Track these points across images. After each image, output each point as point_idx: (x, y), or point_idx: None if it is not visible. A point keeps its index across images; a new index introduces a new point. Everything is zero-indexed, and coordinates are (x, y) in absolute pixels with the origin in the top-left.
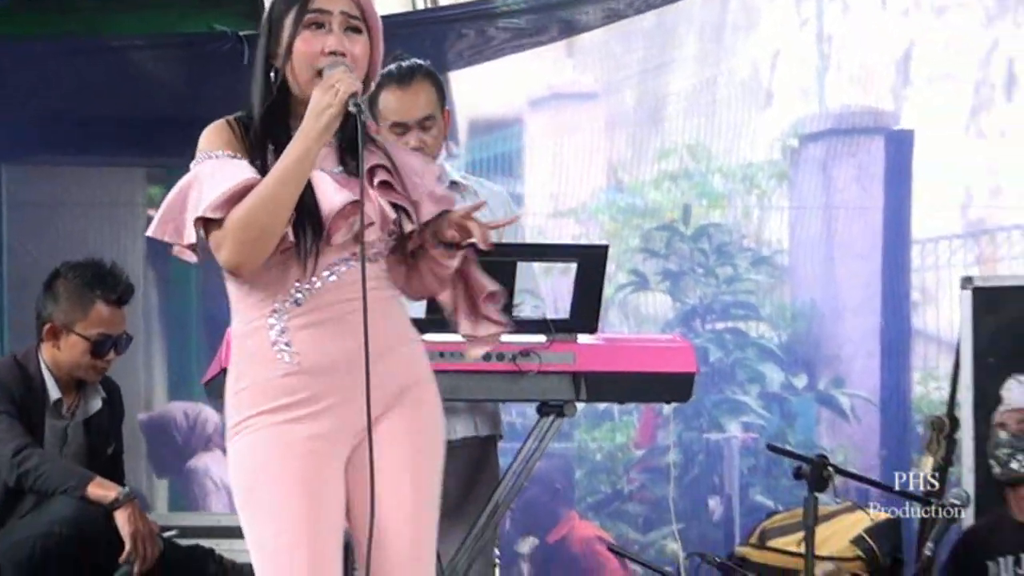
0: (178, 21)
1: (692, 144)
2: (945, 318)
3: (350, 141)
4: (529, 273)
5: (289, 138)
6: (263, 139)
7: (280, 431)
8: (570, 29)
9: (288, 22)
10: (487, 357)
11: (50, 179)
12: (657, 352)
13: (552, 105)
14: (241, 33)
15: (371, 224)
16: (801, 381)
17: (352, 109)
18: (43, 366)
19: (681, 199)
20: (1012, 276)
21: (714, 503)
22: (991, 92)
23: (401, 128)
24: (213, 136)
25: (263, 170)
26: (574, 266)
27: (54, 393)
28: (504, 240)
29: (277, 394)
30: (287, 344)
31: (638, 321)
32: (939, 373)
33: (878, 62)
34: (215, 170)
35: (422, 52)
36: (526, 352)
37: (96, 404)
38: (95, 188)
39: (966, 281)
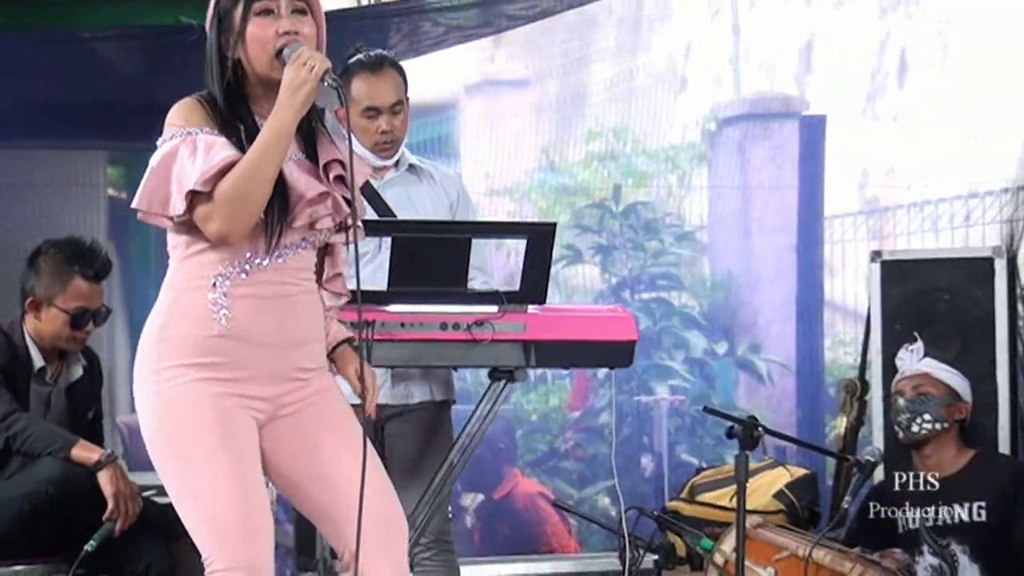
0: (146, 13)
1: (617, 128)
2: (851, 289)
3: (308, 129)
4: (479, 251)
5: (252, 117)
6: (231, 119)
7: (203, 387)
8: (501, 23)
9: (238, 12)
10: (444, 327)
11: (19, 160)
12: (601, 321)
13: (485, 91)
14: (198, 22)
15: (329, 214)
16: (722, 347)
17: (331, 83)
18: (27, 336)
19: (608, 179)
20: (917, 250)
21: (646, 460)
22: (885, 79)
23: (373, 112)
24: (188, 113)
25: (239, 147)
26: (510, 241)
27: (38, 361)
28: (458, 218)
29: (204, 352)
30: (226, 308)
31: (571, 292)
32: (847, 339)
33: (783, 51)
34: (198, 146)
35: (369, 44)
36: (480, 322)
37: (77, 372)
38: (61, 169)
39: (875, 255)
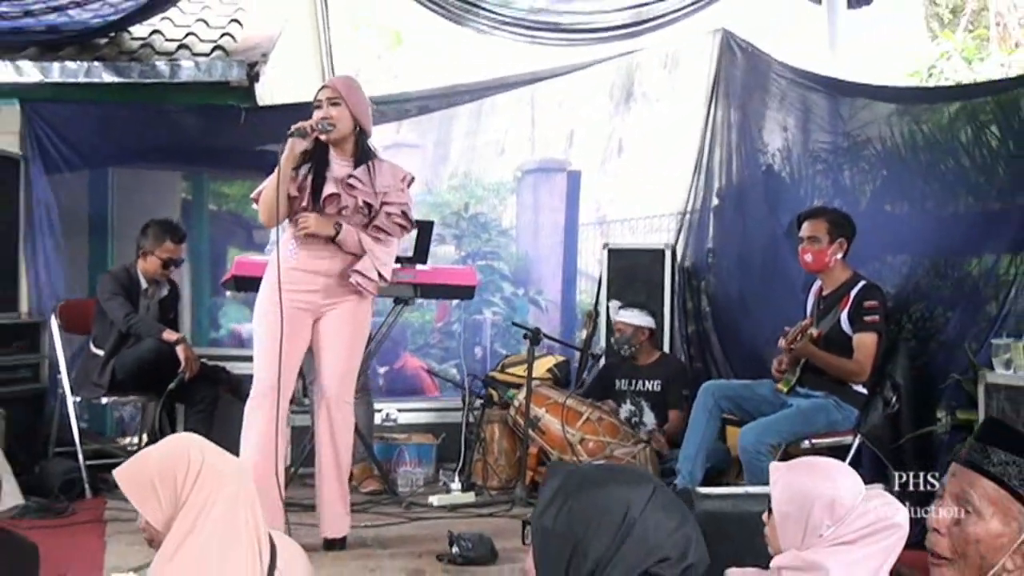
0: (209, 97)
1: (466, 171)
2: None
3: (357, 159)
4: None
5: (324, 157)
6: (312, 155)
7: (277, 297)
8: (399, 116)
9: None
10: None
11: (133, 176)
12: (459, 274)
13: (392, 150)
14: (242, 106)
15: (347, 206)
16: (520, 291)
17: (288, 136)
18: (139, 272)
19: (460, 199)
20: (626, 243)
21: (479, 350)
22: (611, 153)
23: None
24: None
25: (313, 169)
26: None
27: (143, 285)
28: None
29: (283, 275)
30: (295, 254)
31: (439, 259)
32: (589, 290)
33: (557, 134)
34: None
35: None
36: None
37: (164, 292)
38: (157, 182)
39: (605, 245)
